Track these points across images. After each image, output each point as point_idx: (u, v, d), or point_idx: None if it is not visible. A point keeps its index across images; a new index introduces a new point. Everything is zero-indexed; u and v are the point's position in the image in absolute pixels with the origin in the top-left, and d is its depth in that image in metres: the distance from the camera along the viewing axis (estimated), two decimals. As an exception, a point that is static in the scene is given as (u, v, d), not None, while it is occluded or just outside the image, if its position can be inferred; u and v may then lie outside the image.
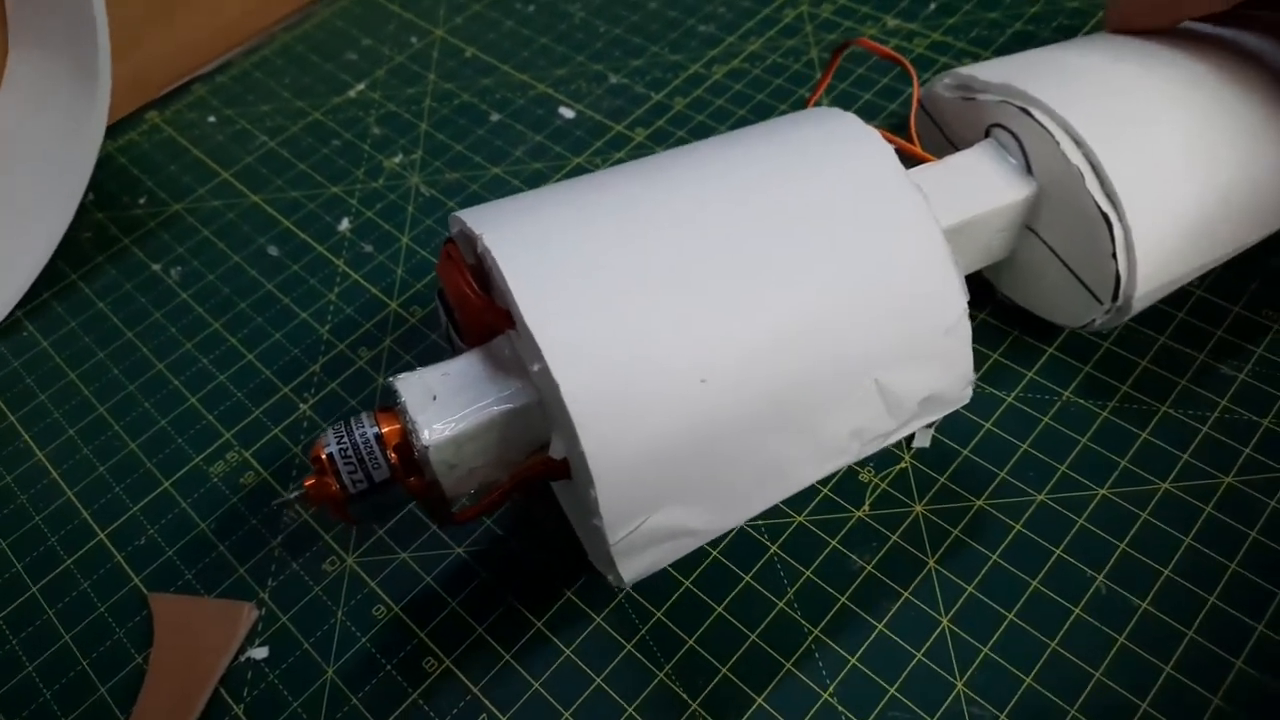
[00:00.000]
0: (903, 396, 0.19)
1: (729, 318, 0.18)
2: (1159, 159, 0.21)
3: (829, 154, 0.20)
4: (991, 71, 0.23)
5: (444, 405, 0.19)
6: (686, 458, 0.17)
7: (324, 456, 0.19)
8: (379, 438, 0.19)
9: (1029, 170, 0.23)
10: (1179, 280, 0.22)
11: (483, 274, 0.19)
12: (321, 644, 0.22)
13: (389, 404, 0.19)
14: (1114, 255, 0.21)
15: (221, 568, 0.24)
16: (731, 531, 0.23)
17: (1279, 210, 0.23)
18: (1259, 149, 0.22)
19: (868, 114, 0.32)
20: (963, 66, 0.24)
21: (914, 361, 0.19)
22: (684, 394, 0.17)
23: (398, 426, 0.19)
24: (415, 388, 0.19)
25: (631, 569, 0.18)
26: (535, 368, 0.17)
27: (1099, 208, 0.21)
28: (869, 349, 0.19)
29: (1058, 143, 0.21)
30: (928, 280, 0.19)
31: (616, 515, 0.17)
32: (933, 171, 0.23)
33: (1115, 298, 0.22)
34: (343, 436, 0.19)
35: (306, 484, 0.19)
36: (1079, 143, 0.21)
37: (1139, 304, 0.22)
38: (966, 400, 0.20)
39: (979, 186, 0.22)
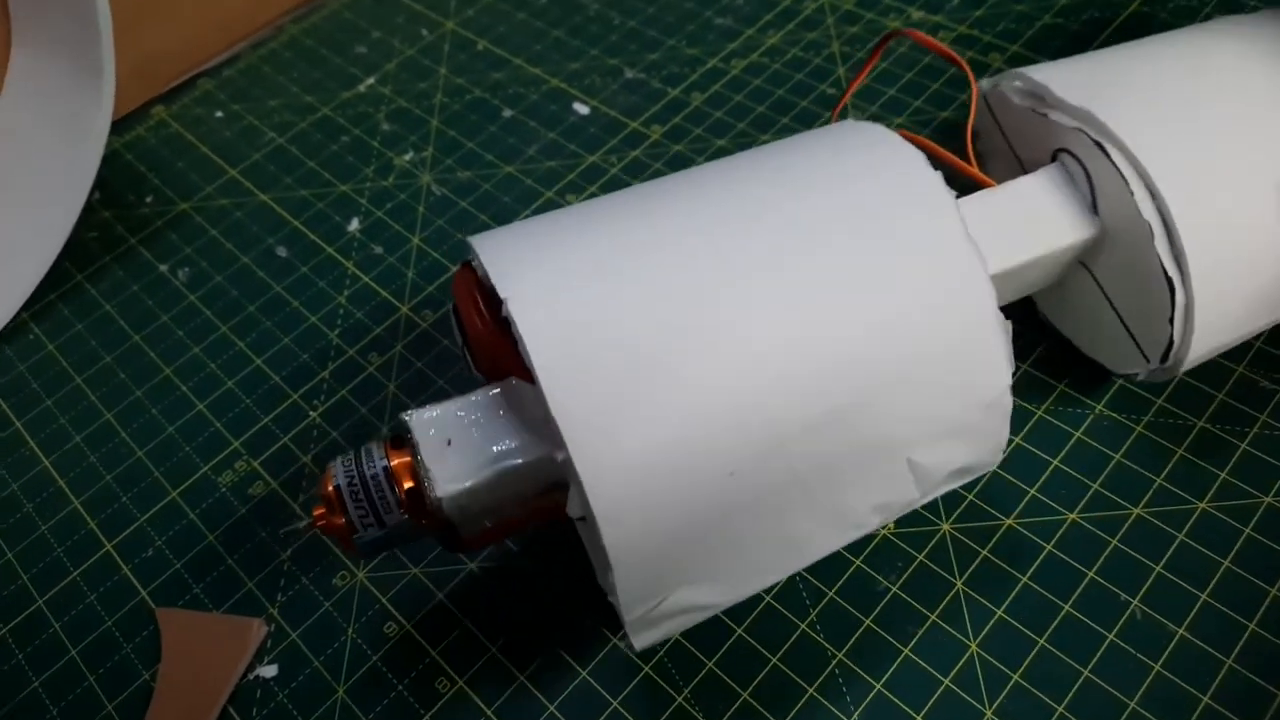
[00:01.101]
0: (933, 471, 0.18)
1: (762, 405, 0.17)
2: (1238, 222, 0.20)
3: (876, 195, 0.18)
4: (1069, 85, 0.21)
5: (460, 453, 0.18)
6: (707, 543, 0.17)
7: (331, 490, 0.18)
8: (389, 473, 0.18)
9: (1094, 207, 0.21)
10: (1233, 344, 0.21)
11: (498, 299, 0.19)
12: (332, 662, 0.22)
13: (402, 437, 0.19)
14: (1171, 320, 0.20)
15: (230, 581, 0.23)
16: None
17: None
18: None
19: (893, 111, 0.31)
20: (1034, 67, 0.22)
21: (948, 438, 0.18)
22: (710, 485, 0.16)
23: (408, 461, 0.18)
24: (429, 430, 0.18)
25: (645, 640, 0.18)
26: (560, 456, 0.17)
27: (1164, 269, 0.19)
28: (903, 429, 0.18)
29: (1131, 191, 0.19)
30: (972, 353, 0.18)
31: (634, 598, 0.17)
32: (990, 201, 0.21)
33: (1165, 359, 0.20)
34: (352, 472, 0.18)
35: (316, 513, 0.18)
36: (1154, 194, 0.19)
37: (1186, 367, 0.21)
38: (995, 465, 0.20)
39: (1039, 224, 0.21)
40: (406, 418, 0.18)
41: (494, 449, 0.18)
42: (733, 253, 0.18)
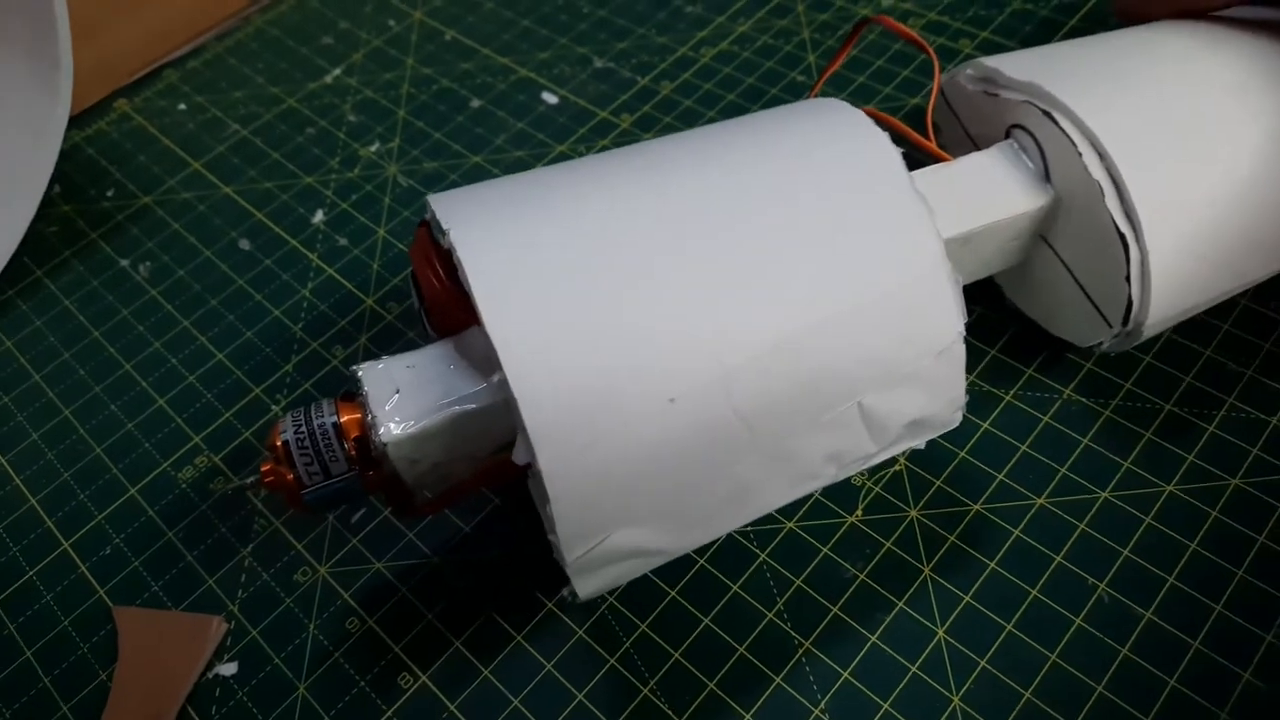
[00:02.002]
0: (886, 420, 0.18)
1: (704, 334, 0.17)
2: (1187, 180, 0.20)
3: (827, 156, 0.19)
4: (1018, 66, 0.22)
5: (407, 400, 0.18)
6: (649, 478, 0.17)
7: (280, 444, 0.18)
8: (337, 427, 0.18)
9: (1047, 177, 0.21)
10: (1195, 309, 0.21)
11: (453, 262, 0.19)
12: (293, 659, 0.21)
13: (353, 393, 0.19)
14: (1128, 278, 0.20)
15: (189, 579, 0.23)
16: (717, 542, 0.22)
17: None
18: None
19: (862, 97, 0.30)
20: (989, 57, 0.23)
21: (901, 385, 0.18)
22: (650, 413, 0.16)
23: (358, 416, 0.18)
24: (379, 379, 0.18)
25: (589, 585, 0.17)
26: (496, 378, 0.16)
27: (1117, 227, 0.19)
28: (852, 371, 0.17)
29: (1079, 153, 0.20)
30: (922, 300, 0.18)
31: (573, 534, 0.16)
32: (944, 173, 0.21)
33: (1125, 322, 0.20)
34: (300, 425, 0.18)
35: (263, 469, 0.18)
36: (1102, 155, 0.20)
37: (1149, 331, 0.21)
38: (956, 424, 0.19)
39: (992, 193, 0.21)
40: (357, 369, 0.18)
41: (442, 397, 0.18)
42: (679, 200, 0.18)
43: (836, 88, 0.31)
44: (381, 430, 0.18)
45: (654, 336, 0.16)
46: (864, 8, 0.33)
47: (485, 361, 0.18)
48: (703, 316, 0.17)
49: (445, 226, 0.17)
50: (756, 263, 0.17)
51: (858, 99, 0.30)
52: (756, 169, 0.19)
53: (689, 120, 0.31)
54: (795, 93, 0.31)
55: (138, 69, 0.35)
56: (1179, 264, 0.20)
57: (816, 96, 0.28)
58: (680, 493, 0.17)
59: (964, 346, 0.18)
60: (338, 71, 0.34)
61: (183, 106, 0.34)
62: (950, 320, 0.18)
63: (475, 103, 0.32)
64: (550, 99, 0.32)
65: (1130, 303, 0.20)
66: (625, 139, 0.31)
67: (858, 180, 0.18)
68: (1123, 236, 0.20)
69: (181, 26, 0.36)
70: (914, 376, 0.18)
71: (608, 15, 0.34)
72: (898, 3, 0.33)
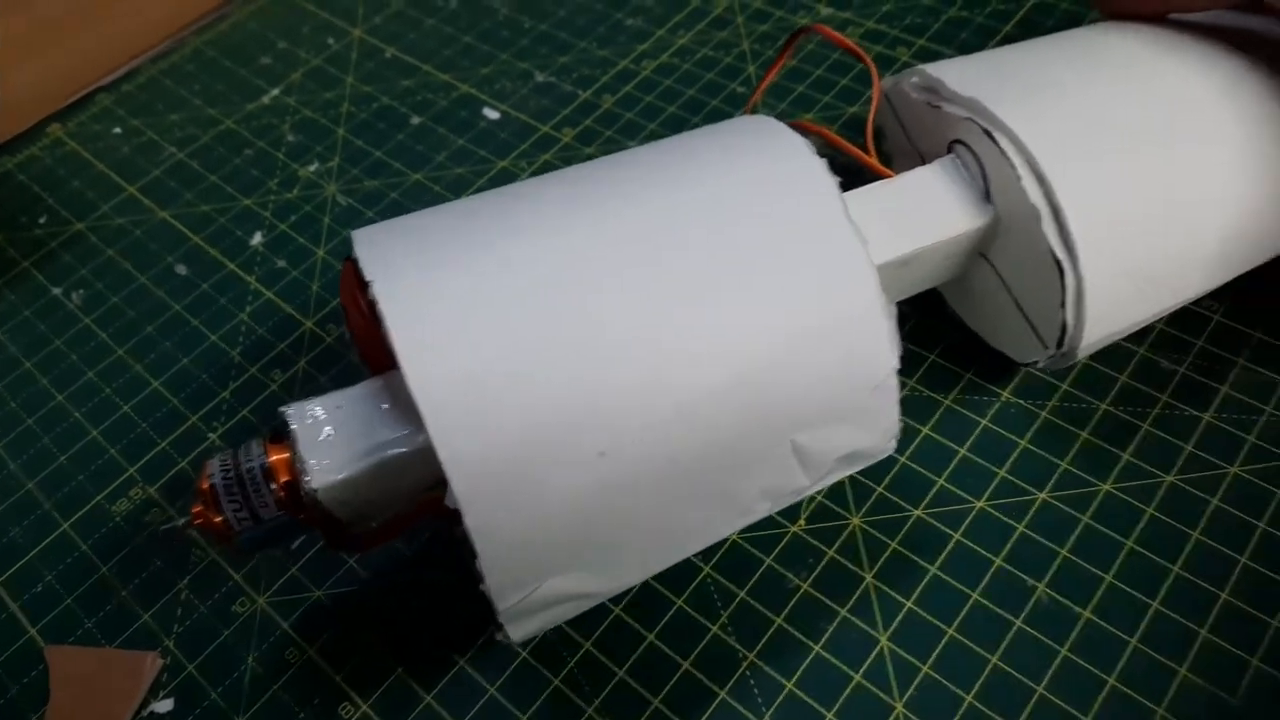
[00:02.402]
0: (821, 456, 0.18)
1: (636, 382, 0.16)
2: (1128, 206, 0.20)
3: (761, 192, 0.18)
4: (962, 78, 0.21)
5: (336, 443, 0.17)
6: (581, 528, 0.16)
7: (207, 488, 0.18)
8: (266, 470, 0.17)
9: (988, 196, 0.21)
10: (1133, 328, 0.21)
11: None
12: (230, 693, 0.21)
13: (282, 433, 0.18)
14: (1063, 304, 0.20)
15: (124, 614, 0.22)
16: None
17: (1250, 254, 0.21)
18: (1244, 189, 0.20)
19: (802, 106, 0.31)
20: (933, 64, 0.22)
21: (835, 422, 0.18)
22: (581, 467, 0.16)
23: (287, 456, 0.18)
24: (306, 421, 0.18)
25: (523, 630, 0.17)
26: (420, 438, 0.16)
27: (1053, 254, 0.19)
28: (786, 411, 0.17)
29: (1019, 176, 0.20)
30: (856, 339, 0.17)
31: (504, 585, 0.16)
32: (883, 191, 0.21)
33: (1060, 344, 0.20)
34: (229, 469, 0.18)
35: (193, 511, 0.18)
36: (1041, 179, 0.19)
37: (1085, 353, 0.21)
38: (890, 452, 0.19)
39: (932, 212, 0.21)
40: (285, 410, 0.18)
41: (372, 440, 0.17)
42: (606, 237, 0.17)
43: (776, 97, 0.31)
44: (309, 478, 0.17)
45: (585, 388, 0.16)
46: (803, 18, 0.33)
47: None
48: (634, 365, 0.16)
49: (369, 278, 0.17)
50: (688, 308, 0.17)
51: (797, 108, 0.31)
52: (688, 208, 0.18)
53: (630, 133, 0.31)
54: (736, 104, 0.31)
55: (71, 93, 0.34)
56: (1116, 287, 0.20)
57: (755, 107, 0.28)
58: (614, 538, 0.17)
59: (897, 381, 0.18)
60: (276, 91, 0.34)
61: (118, 130, 0.33)
62: (884, 357, 0.18)
63: (416, 120, 0.32)
64: (491, 114, 0.32)
65: (1065, 328, 0.20)
66: (567, 153, 0.30)
67: (791, 218, 0.18)
68: (1059, 263, 0.19)
69: (116, 50, 0.35)
70: (848, 413, 0.18)
71: (549, 30, 0.34)
72: (836, 12, 0.33)
